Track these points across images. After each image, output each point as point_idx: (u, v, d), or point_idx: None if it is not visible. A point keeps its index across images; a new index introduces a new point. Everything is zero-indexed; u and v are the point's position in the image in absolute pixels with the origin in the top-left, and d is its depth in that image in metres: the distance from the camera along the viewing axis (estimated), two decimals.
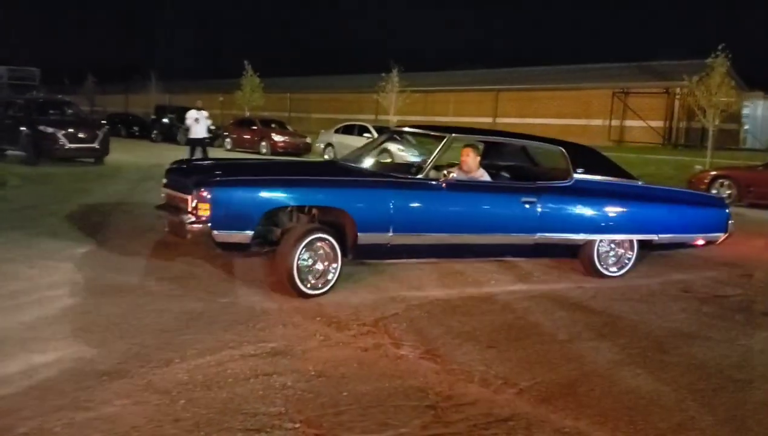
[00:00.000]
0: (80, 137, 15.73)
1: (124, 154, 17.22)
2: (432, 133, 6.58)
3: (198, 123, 15.96)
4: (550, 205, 6.07)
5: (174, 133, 28.63)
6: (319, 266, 5.30)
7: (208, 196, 4.96)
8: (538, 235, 6.06)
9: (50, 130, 15.39)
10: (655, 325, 5.16)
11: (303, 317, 4.86)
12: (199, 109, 16.19)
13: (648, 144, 28.02)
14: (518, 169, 7.15)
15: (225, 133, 26.87)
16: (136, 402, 3.30)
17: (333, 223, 5.43)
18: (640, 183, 6.84)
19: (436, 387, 3.72)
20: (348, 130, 22.95)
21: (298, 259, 5.11)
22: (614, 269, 6.54)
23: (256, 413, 3.26)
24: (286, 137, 25.72)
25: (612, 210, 6.36)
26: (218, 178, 5.16)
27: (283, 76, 48.26)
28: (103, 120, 23.60)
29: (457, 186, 5.85)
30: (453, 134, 6.11)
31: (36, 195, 10.16)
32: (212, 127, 16.83)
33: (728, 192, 14.11)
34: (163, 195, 5.91)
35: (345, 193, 5.42)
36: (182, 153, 20.79)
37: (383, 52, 33.52)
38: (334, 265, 5.32)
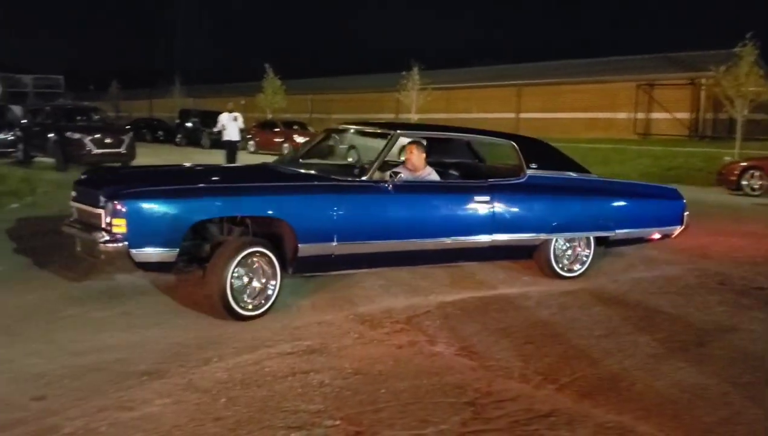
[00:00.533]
0: (107, 142, 15.91)
1: (150, 158, 17.36)
2: (375, 131, 6.10)
3: (230, 126, 16.04)
4: (504, 204, 5.69)
5: (198, 136, 28.90)
6: (256, 284, 4.75)
7: (124, 210, 4.35)
8: (493, 236, 5.65)
9: (77, 136, 15.59)
10: (694, 318, 5.07)
11: (336, 315, 4.86)
12: (230, 111, 16.22)
13: (675, 136, 27.62)
14: (468, 167, 6.77)
15: (249, 136, 27.05)
16: (177, 401, 3.32)
17: (270, 234, 4.93)
18: (593, 176, 6.51)
19: (473, 384, 3.69)
20: None
21: (232, 277, 4.54)
22: (571, 268, 6.16)
23: (296, 411, 3.26)
24: (308, 139, 25.78)
25: (568, 207, 6.04)
26: (135, 189, 4.54)
27: (303, 78, 48.45)
28: (128, 125, 23.91)
29: (405, 188, 5.39)
30: (398, 131, 5.68)
31: (66, 201, 10.26)
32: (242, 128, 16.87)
33: (759, 183, 13.89)
34: (73, 210, 5.16)
35: (282, 200, 4.89)
36: (207, 156, 21.00)
37: (403, 50, 33.56)
38: (273, 281, 4.76)
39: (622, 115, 30.53)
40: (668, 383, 3.79)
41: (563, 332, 4.68)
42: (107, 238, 4.38)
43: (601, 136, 28.31)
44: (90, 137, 15.64)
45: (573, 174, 6.26)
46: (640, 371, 3.95)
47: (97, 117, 18.07)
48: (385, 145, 5.47)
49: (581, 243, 6.22)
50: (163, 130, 33.61)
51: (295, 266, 4.95)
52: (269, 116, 32.79)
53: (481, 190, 5.69)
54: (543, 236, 5.93)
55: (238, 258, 4.57)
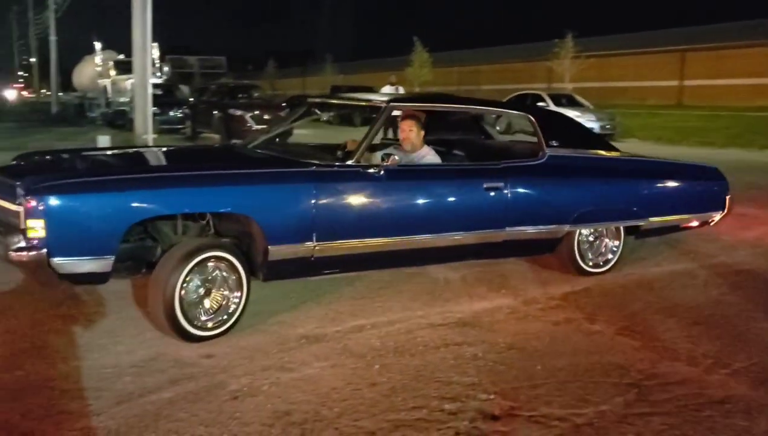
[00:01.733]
0: (266, 119, 16.70)
1: (306, 135, 18.03)
2: (362, 104, 5.24)
3: None
4: (521, 190, 4.75)
5: (350, 113, 29.58)
6: (215, 296, 3.82)
7: (41, 208, 3.35)
8: (508, 229, 4.73)
9: (239, 112, 16.50)
10: None
11: (488, 288, 4.79)
12: (392, 84, 15.93)
13: None
14: (476, 145, 5.80)
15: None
16: (334, 365, 3.42)
17: (234, 233, 4.13)
18: (623, 155, 5.54)
19: (637, 365, 3.49)
20: (520, 100, 22.33)
21: (182, 289, 3.61)
22: (599, 262, 5.24)
23: (449, 382, 3.25)
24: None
25: (595, 192, 5.11)
26: (56, 181, 3.50)
27: (452, 50, 48.18)
28: (284, 102, 24.98)
29: (400, 173, 4.49)
30: (392, 103, 4.63)
31: None
32: None
33: None
34: None
35: (246, 191, 3.91)
36: (358, 133, 21.40)
37: (556, 16, 32.32)
38: (237, 293, 3.84)
39: None
40: None
41: (736, 313, 4.31)
42: (22, 243, 3.42)
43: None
44: (250, 114, 16.49)
45: (598, 153, 5.37)
46: None
47: (256, 94, 19.04)
48: (376, 122, 4.52)
49: (609, 233, 5.32)
50: None
51: (265, 272, 4.04)
52: (416, 90, 32.98)
53: (493, 175, 4.73)
54: (566, 228, 4.99)
55: (190, 265, 3.65)
